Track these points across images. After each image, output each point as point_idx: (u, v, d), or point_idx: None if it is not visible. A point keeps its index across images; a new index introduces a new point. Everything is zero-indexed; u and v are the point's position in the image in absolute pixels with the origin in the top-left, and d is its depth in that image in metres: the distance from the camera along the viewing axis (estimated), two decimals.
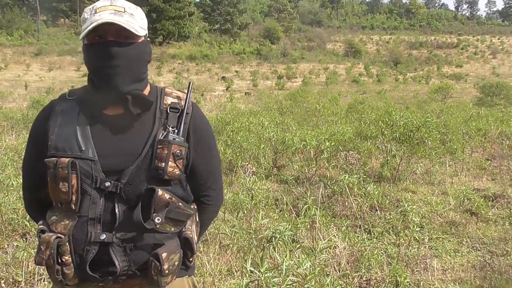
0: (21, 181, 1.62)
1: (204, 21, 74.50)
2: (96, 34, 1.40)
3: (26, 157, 1.57)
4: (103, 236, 1.37)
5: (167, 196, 1.40)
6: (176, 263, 1.43)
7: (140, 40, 1.45)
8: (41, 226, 1.44)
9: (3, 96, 25.74)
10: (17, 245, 3.91)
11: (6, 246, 4.08)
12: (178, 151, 1.42)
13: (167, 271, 1.39)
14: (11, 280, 3.46)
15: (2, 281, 3.40)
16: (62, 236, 1.39)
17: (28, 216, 1.69)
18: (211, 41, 65.12)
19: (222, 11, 71.91)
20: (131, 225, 1.38)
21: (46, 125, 1.47)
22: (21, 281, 3.41)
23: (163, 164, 1.40)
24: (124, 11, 1.42)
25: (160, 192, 1.39)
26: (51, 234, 1.39)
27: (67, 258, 1.38)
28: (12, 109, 17.07)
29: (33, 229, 4.23)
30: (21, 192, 4.61)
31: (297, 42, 71.52)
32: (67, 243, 1.38)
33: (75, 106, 1.47)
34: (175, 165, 1.42)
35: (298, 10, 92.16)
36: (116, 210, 1.39)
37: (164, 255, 1.38)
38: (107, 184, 1.39)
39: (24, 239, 4.17)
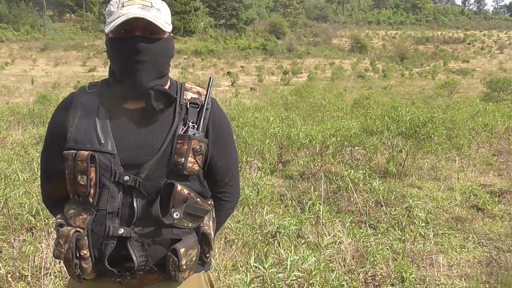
0: (39, 173, 1.60)
1: (209, 16, 74.45)
2: (122, 28, 1.38)
3: (44, 149, 1.55)
4: (121, 231, 1.36)
5: (185, 191, 1.39)
6: (194, 259, 1.42)
7: (165, 36, 1.44)
8: (59, 220, 1.43)
9: (9, 91, 25.93)
10: (24, 240, 3.94)
11: (12, 240, 4.10)
12: (198, 146, 1.40)
13: (184, 267, 1.37)
14: (17, 274, 3.48)
15: (9, 275, 3.42)
16: (81, 230, 1.37)
17: (48, 210, 1.67)
18: (216, 36, 65.13)
19: (228, 6, 71.80)
20: (150, 219, 1.37)
21: (65, 117, 1.46)
22: (27, 275, 3.42)
23: (183, 159, 1.38)
24: (152, 5, 1.40)
25: (179, 187, 1.37)
26: (69, 228, 1.38)
27: (85, 252, 1.36)
28: (18, 104, 17.17)
29: (38, 224, 4.25)
30: (26, 186, 4.67)
31: (303, 37, 71.33)
32: (86, 237, 1.36)
33: (95, 99, 1.46)
34: (195, 160, 1.40)
35: (304, 5, 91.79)
36: (135, 205, 1.37)
37: (182, 250, 1.37)
38: (126, 178, 1.37)
39: (30, 234, 4.19)
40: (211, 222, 1.51)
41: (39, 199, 4.55)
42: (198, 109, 1.48)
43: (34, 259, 3.58)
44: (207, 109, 1.48)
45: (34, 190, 4.73)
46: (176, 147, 1.39)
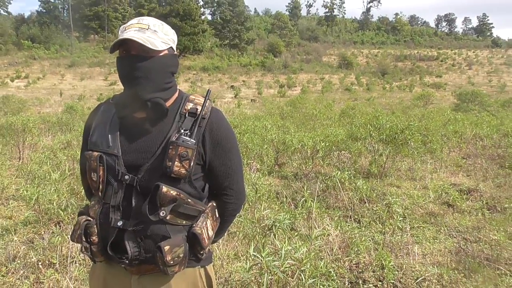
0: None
1: (215, 37, 74.45)
2: (123, 49, 1.41)
3: (81, 151, 1.60)
4: (120, 223, 1.38)
5: (173, 192, 1.37)
6: (181, 255, 1.38)
7: (161, 54, 1.42)
8: (81, 209, 1.50)
9: (41, 102, 25.95)
10: (53, 232, 3.94)
11: (43, 232, 4.11)
12: (184, 152, 1.37)
13: (171, 262, 1.35)
14: (47, 262, 3.48)
15: (40, 263, 3.43)
16: (91, 219, 1.43)
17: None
18: (221, 55, 65.12)
19: (231, 28, 71.90)
20: (144, 216, 1.37)
21: (91, 123, 1.52)
22: (55, 263, 3.43)
23: (170, 163, 1.37)
24: (148, 28, 1.40)
25: (164, 189, 1.35)
26: (83, 216, 1.45)
27: (94, 238, 1.41)
28: (48, 113, 17.19)
29: (66, 218, 4.26)
30: (56, 185, 4.68)
31: (297, 55, 71.23)
32: (95, 226, 1.42)
33: (112, 108, 1.50)
34: (181, 165, 1.37)
35: (297, 27, 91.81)
36: (133, 201, 1.38)
37: (166, 247, 1.34)
38: (126, 177, 1.39)
39: (58, 227, 4.20)
40: (207, 222, 1.47)
41: (67, 197, 4.56)
42: (195, 118, 1.45)
43: (61, 249, 3.59)
44: (203, 118, 1.45)
45: (63, 188, 4.74)
46: (168, 152, 1.38)
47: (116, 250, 1.39)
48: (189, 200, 1.42)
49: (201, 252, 1.46)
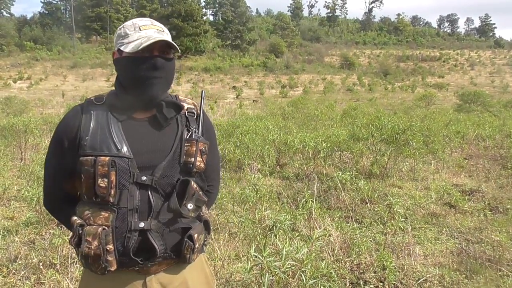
0: (43, 177, 1.54)
1: (217, 37, 74.53)
2: (143, 49, 1.37)
3: (52, 155, 1.49)
4: (142, 224, 1.36)
5: (195, 186, 1.42)
6: (202, 242, 1.47)
7: (172, 56, 1.48)
8: (79, 221, 1.37)
9: (43, 103, 26.03)
10: (54, 233, 3.95)
11: (44, 233, 4.12)
12: (203, 148, 1.46)
13: (196, 250, 1.42)
14: (48, 262, 3.49)
15: (41, 264, 3.44)
16: (106, 228, 1.34)
17: (50, 211, 1.60)
18: (223, 55, 65.16)
19: (233, 29, 71.96)
20: (165, 212, 1.39)
21: (77, 125, 1.41)
22: (56, 263, 3.44)
23: (192, 159, 1.42)
24: (163, 30, 1.44)
25: (192, 182, 1.41)
26: (95, 226, 1.34)
27: (110, 246, 1.33)
28: (51, 114, 17.23)
29: None
30: None
31: (299, 56, 71.18)
32: (111, 233, 1.34)
33: (105, 110, 1.43)
34: (201, 159, 1.45)
35: (299, 28, 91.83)
36: (152, 200, 1.38)
37: (196, 236, 1.41)
38: (144, 178, 1.37)
39: (59, 228, 4.20)
40: (207, 211, 1.56)
41: None
42: (195, 117, 1.53)
43: (62, 250, 3.59)
44: (200, 117, 1.54)
45: None
46: (185, 149, 1.43)
47: (135, 253, 1.37)
48: (201, 192, 1.46)
49: (206, 239, 1.53)
